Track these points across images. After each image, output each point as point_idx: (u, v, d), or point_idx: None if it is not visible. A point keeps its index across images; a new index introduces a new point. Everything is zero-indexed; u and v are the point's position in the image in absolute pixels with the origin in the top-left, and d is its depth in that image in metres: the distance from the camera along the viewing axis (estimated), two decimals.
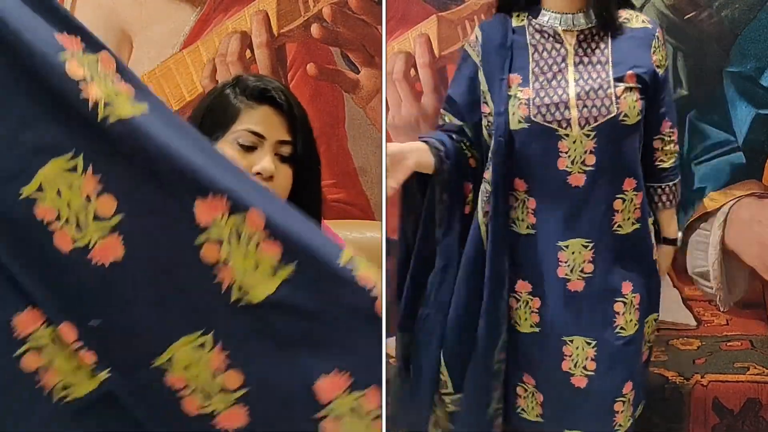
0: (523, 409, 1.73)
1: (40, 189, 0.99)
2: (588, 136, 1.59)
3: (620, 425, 1.68)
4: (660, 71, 1.65)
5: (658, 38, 1.66)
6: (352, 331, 1.07)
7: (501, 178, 1.62)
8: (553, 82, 1.61)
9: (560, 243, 1.63)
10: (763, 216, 2.12)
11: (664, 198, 1.74)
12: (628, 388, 1.68)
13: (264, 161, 1.34)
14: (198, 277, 1.05)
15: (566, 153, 1.60)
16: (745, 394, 2.17)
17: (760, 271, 2.14)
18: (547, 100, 1.60)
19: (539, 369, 1.70)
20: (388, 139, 2.09)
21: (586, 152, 1.60)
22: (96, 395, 1.06)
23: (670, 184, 1.74)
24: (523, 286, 1.67)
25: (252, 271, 1.05)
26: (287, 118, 1.38)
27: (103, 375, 1.06)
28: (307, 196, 1.40)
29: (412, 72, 2.16)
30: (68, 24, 1.02)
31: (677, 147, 1.74)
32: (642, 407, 1.76)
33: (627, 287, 1.66)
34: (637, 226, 1.66)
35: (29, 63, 0.99)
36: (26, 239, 1.01)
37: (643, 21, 1.68)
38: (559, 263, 1.64)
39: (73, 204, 1.00)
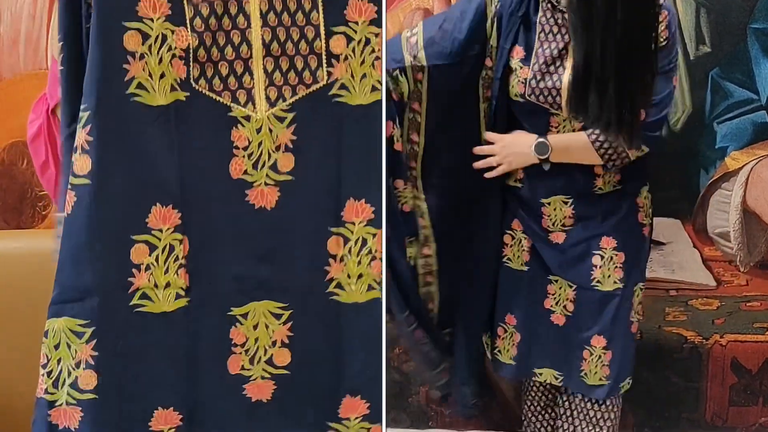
0: (499, 351, 1.81)
1: None
2: (577, 118, 1.63)
3: (586, 374, 1.72)
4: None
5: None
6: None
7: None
8: (551, 67, 1.63)
9: (543, 200, 1.71)
10: None
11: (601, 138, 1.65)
12: (597, 341, 1.71)
13: None
14: (318, 255, 1.14)
15: (555, 127, 1.68)
16: (763, 354, 2.17)
17: None
18: (542, 84, 1.64)
19: (522, 306, 1.77)
20: None
21: (574, 130, 1.66)
22: (168, 317, 1.10)
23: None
24: (517, 225, 1.76)
25: (354, 279, 1.16)
26: None
27: (182, 303, 1.09)
28: None
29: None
30: None
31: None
32: (629, 384, 1.77)
33: (608, 242, 1.70)
34: (618, 188, 1.71)
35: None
36: None
37: None
38: (542, 216, 1.72)
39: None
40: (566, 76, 1.61)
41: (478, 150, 1.70)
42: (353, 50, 1.15)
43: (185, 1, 1.09)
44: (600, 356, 1.71)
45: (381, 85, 1.18)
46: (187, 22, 1.09)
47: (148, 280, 1.10)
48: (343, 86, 1.16)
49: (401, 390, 2.23)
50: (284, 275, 1.15)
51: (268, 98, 1.13)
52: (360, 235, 1.16)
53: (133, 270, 1.10)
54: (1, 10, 2.16)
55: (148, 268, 1.10)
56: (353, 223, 1.16)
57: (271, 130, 1.13)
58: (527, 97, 1.65)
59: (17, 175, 2.18)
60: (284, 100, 1.13)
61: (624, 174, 1.70)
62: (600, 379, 1.72)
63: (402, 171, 1.73)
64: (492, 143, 1.69)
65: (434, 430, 2.27)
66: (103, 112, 1.08)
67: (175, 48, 1.09)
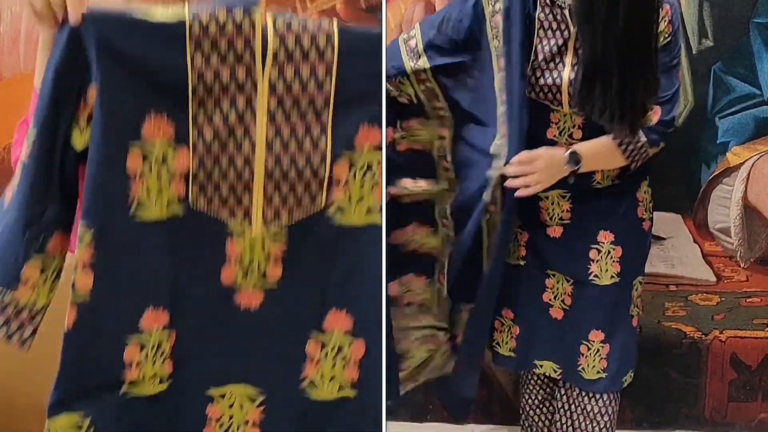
0: (497, 343, 1.81)
1: None
2: (578, 114, 1.62)
3: (584, 369, 1.72)
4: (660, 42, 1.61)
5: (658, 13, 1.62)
6: None
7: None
8: (551, 64, 1.62)
9: (541, 194, 1.69)
10: None
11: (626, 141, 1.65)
12: (595, 335, 1.71)
13: None
14: (295, 355, 1.21)
15: (556, 124, 1.67)
16: (763, 350, 2.17)
17: None
18: (542, 81, 1.63)
19: (520, 300, 1.77)
20: None
21: (574, 126, 1.66)
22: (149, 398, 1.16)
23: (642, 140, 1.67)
24: (515, 220, 1.74)
25: (327, 379, 1.22)
26: None
27: (164, 387, 1.17)
28: None
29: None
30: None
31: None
32: (631, 377, 1.76)
33: (605, 237, 1.70)
34: (617, 182, 1.70)
35: None
36: None
37: None
38: (540, 210, 1.72)
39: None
40: (566, 72, 1.61)
41: (514, 171, 1.62)
42: (354, 175, 1.17)
43: (190, 124, 1.10)
44: (598, 350, 1.71)
45: (378, 209, 1.20)
46: (190, 144, 1.11)
47: (138, 374, 1.15)
48: (339, 208, 1.18)
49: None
50: (262, 367, 1.20)
51: (264, 217, 1.15)
52: (337, 342, 1.20)
53: (125, 369, 1.15)
54: (1, 9, 2.16)
55: (138, 364, 1.15)
56: (333, 331, 1.20)
57: (264, 245, 1.16)
58: (527, 95, 1.64)
59: None
60: (279, 220, 1.16)
61: (623, 169, 1.69)
62: (597, 373, 1.71)
63: (423, 169, 1.74)
64: (523, 160, 1.62)
65: (433, 423, 2.27)
66: (108, 233, 1.10)
67: (175, 170, 1.11)
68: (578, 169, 1.63)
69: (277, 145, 1.13)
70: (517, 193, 1.62)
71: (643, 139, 1.62)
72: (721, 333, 2.18)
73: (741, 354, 2.18)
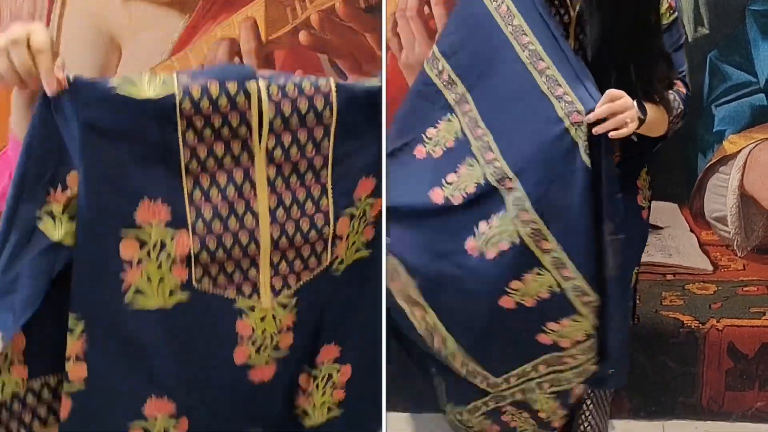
0: None
1: None
2: None
3: None
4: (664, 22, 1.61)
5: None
6: None
7: None
8: None
9: None
10: None
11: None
12: None
13: None
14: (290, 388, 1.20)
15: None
16: (760, 339, 2.17)
17: None
18: None
19: None
20: (404, 77, 2.07)
21: None
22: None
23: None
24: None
25: (318, 406, 1.21)
26: None
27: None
28: None
29: (426, 10, 2.13)
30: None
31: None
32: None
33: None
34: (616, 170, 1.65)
35: None
36: None
37: None
38: None
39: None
40: None
41: (605, 110, 1.47)
42: (353, 227, 1.14)
43: (187, 204, 1.04)
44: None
45: (364, 245, 1.19)
46: (189, 226, 1.05)
47: None
48: (340, 261, 1.16)
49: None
50: (269, 419, 1.20)
51: (273, 288, 1.11)
52: (327, 372, 1.19)
53: None
54: (1, 9, 2.14)
55: None
56: (323, 363, 1.20)
57: (274, 317, 1.12)
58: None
59: None
60: (289, 288, 1.13)
61: (623, 155, 1.67)
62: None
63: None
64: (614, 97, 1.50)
65: (432, 414, 2.27)
66: (100, 323, 1.05)
67: (176, 254, 1.04)
68: (642, 122, 1.53)
69: (281, 213, 1.09)
70: (613, 134, 1.47)
71: (681, 106, 1.62)
72: (718, 322, 2.18)
73: (738, 343, 2.18)
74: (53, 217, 1.00)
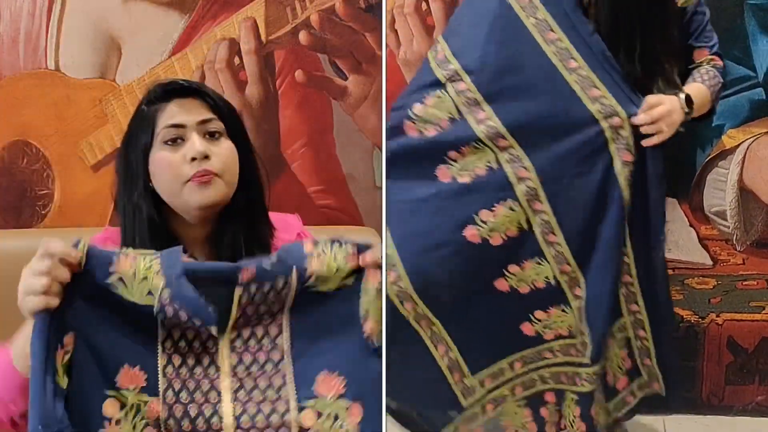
0: None
1: None
2: None
3: None
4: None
5: None
6: None
7: None
8: None
9: None
10: None
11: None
12: None
13: (191, 144, 1.29)
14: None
15: None
16: (759, 333, 2.18)
17: None
18: None
19: None
20: (402, 73, 2.10)
21: None
22: None
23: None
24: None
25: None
26: (200, 97, 1.32)
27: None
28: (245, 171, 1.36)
29: (424, 6, 2.13)
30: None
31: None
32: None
33: None
34: None
35: None
36: None
37: None
38: None
39: None
40: None
41: (645, 118, 1.56)
42: (323, 424, 1.16)
43: (160, 374, 1.13)
44: None
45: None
46: (160, 393, 1.13)
47: None
48: None
49: None
50: None
51: None
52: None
53: None
54: (1, 8, 2.15)
55: None
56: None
57: None
58: None
59: (17, 173, 2.19)
60: None
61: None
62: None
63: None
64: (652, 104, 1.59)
65: None
66: None
67: (147, 418, 1.13)
68: (691, 113, 1.60)
69: (242, 394, 1.15)
70: (647, 141, 1.57)
71: (721, 80, 1.68)
72: (717, 316, 2.19)
73: (738, 337, 2.19)
74: (59, 371, 1.10)
